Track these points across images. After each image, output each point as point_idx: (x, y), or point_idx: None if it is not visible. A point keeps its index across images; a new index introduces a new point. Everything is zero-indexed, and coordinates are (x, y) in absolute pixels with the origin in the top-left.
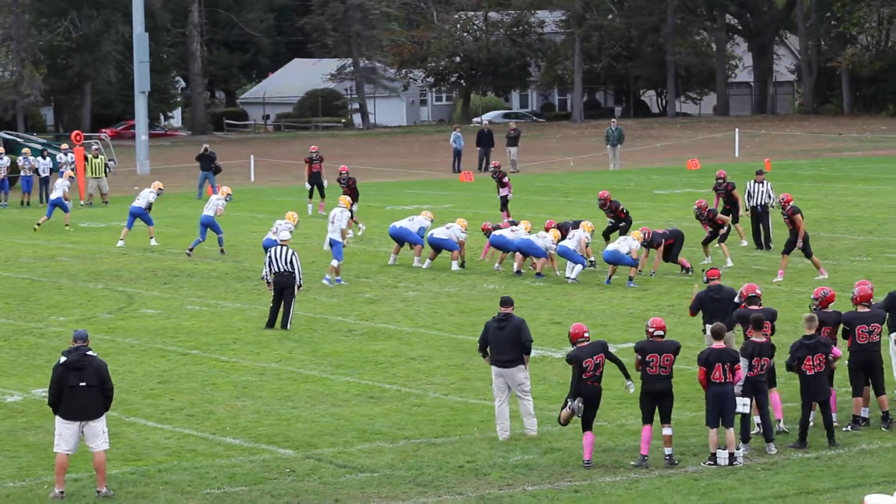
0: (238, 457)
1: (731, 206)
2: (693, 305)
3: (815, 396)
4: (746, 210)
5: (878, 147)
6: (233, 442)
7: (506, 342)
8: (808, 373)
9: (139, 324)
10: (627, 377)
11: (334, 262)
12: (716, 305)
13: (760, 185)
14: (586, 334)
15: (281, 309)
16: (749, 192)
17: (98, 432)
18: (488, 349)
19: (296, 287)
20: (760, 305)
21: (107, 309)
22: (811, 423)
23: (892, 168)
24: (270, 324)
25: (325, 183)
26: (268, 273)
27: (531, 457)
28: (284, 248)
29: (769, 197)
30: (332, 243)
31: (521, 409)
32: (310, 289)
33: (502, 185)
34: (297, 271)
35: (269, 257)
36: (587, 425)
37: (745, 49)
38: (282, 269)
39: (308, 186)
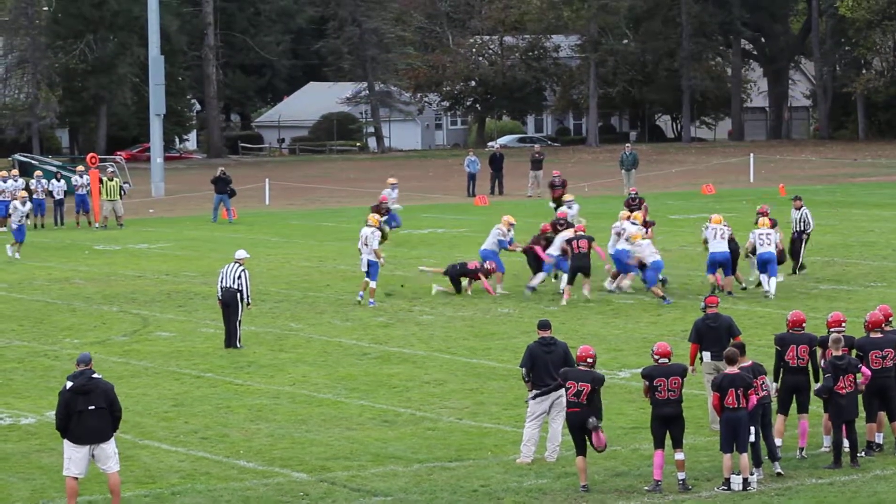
0: (252, 480)
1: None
2: (691, 335)
3: (845, 416)
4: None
5: (893, 172)
6: (247, 465)
7: (555, 366)
8: (840, 393)
9: (154, 347)
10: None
11: (373, 284)
12: (713, 334)
13: (798, 210)
14: (590, 359)
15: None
16: (791, 219)
17: (110, 454)
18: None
19: (242, 304)
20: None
21: (121, 331)
22: (825, 448)
23: None
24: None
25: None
26: (219, 289)
27: (545, 481)
28: (235, 265)
29: (805, 223)
30: (370, 264)
31: (551, 434)
32: (324, 312)
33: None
34: (244, 289)
35: (221, 273)
36: (580, 450)
37: (761, 74)
38: (227, 286)
39: (552, 206)
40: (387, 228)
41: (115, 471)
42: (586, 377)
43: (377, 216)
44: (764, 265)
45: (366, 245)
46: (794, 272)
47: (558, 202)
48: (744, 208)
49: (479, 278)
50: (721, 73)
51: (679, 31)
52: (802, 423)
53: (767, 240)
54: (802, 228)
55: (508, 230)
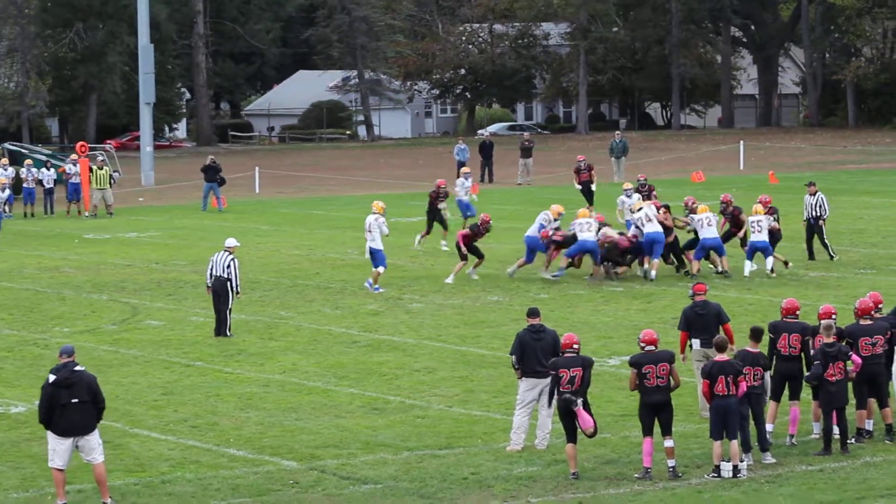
0: (242, 468)
1: (739, 231)
2: (680, 323)
3: (835, 403)
4: (804, 221)
5: (883, 160)
6: (236, 453)
7: (544, 353)
8: (830, 380)
9: (143, 335)
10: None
11: (380, 269)
12: (701, 321)
13: (812, 196)
14: (575, 346)
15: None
16: (805, 205)
17: (94, 446)
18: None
19: (232, 293)
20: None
21: (111, 320)
22: (815, 435)
23: None
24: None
25: (594, 187)
26: (208, 277)
27: (535, 468)
28: (225, 254)
29: (822, 209)
30: (373, 252)
31: (540, 422)
32: (314, 300)
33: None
34: (233, 277)
35: (211, 262)
36: (570, 436)
37: (750, 61)
38: (217, 274)
39: (579, 188)
40: (447, 215)
41: (99, 461)
42: (577, 362)
43: (382, 204)
44: (754, 252)
45: (370, 232)
46: (831, 257)
47: (585, 186)
48: (734, 195)
49: (464, 250)
50: (711, 61)
51: (668, 19)
52: (793, 411)
53: (758, 227)
54: (819, 214)
55: (556, 219)
